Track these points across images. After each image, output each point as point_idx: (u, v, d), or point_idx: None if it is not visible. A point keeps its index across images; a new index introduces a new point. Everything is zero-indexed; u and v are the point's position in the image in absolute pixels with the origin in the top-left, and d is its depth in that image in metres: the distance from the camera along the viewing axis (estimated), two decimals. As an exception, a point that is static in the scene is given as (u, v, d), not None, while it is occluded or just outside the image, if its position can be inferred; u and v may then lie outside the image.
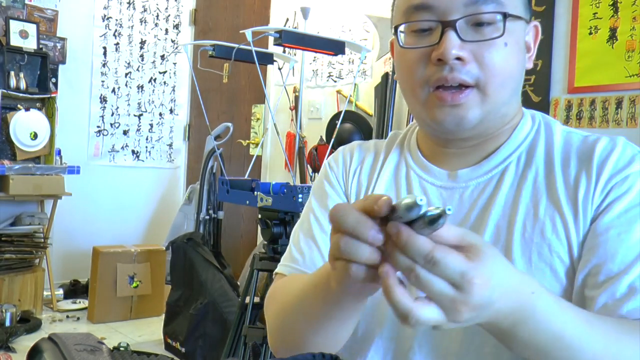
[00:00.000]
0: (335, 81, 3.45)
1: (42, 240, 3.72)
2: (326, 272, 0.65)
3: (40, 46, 3.77)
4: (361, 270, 0.54)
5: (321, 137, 3.21)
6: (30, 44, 3.69)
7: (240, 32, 2.30)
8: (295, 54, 3.41)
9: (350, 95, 3.17)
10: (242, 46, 2.33)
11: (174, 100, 4.70)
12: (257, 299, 2.22)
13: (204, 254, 3.11)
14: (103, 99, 4.32)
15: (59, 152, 3.76)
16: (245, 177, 2.50)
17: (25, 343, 3.10)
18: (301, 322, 0.74)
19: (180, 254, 3.17)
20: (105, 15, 4.29)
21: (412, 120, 0.92)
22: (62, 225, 3.95)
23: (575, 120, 2.36)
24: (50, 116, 3.70)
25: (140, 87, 4.50)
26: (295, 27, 3.55)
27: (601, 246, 0.69)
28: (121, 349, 2.20)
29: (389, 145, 0.91)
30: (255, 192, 2.17)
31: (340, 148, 0.95)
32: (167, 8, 4.61)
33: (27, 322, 3.30)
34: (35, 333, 3.30)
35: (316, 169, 3.07)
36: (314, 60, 3.55)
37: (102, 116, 4.33)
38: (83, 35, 4.17)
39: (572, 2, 2.37)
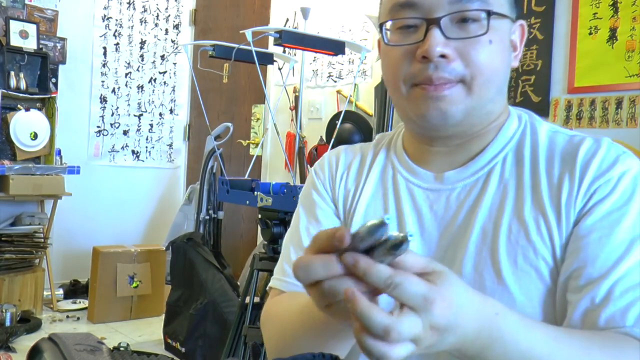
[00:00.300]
0: (335, 81, 3.45)
1: (42, 240, 3.72)
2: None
3: (40, 46, 3.77)
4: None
5: (321, 137, 3.21)
6: (30, 44, 3.69)
7: (240, 32, 2.30)
8: (295, 54, 3.41)
9: (350, 95, 3.17)
10: (242, 46, 2.33)
11: (174, 100, 4.70)
12: (257, 299, 2.22)
13: (204, 254, 3.11)
14: (103, 99, 4.32)
15: (59, 152, 3.76)
16: (245, 177, 2.50)
17: (25, 343, 3.09)
18: (300, 346, 0.74)
19: (180, 254, 3.17)
20: (105, 16, 4.29)
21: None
22: (62, 225, 3.95)
23: (575, 120, 2.36)
24: (50, 116, 3.70)
25: (140, 87, 4.50)
26: (295, 27, 3.55)
27: (583, 250, 0.69)
28: (121, 349, 2.20)
29: (375, 148, 0.91)
30: (255, 192, 2.17)
31: (326, 153, 0.95)
32: (167, 8, 4.61)
33: (27, 322, 3.30)
34: (36, 333, 3.30)
35: (316, 169, 3.07)
36: (314, 60, 3.55)
37: (102, 116, 4.33)
38: (83, 35, 4.17)
39: (572, 2, 2.37)
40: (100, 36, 4.28)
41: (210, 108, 4.27)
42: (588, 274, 0.68)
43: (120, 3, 4.36)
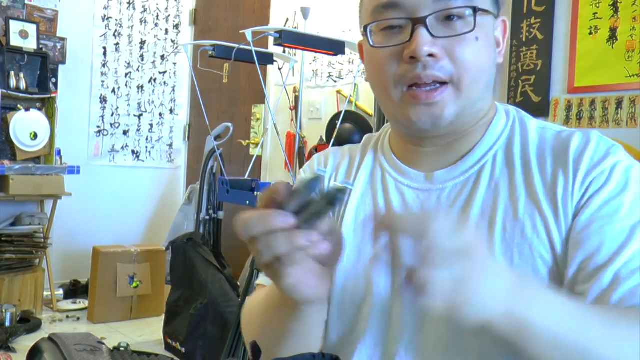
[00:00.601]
0: (335, 81, 3.45)
1: (42, 240, 3.72)
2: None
3: (40, 46, 3.77)
4: (293, 261, 0.55)
5: (321, 137, 3.21)
6: (30, 44, 3.69)
7: (240, 32, 2.30)
8: (295, 54, 3.41)
9: (350, 95, 3.17)
10: (242, 46, 2.33)
11: (174, 101, 4.70)
12: (257, 299, 2.22)
13: (204, 254, 3.11)
14: (103, 99, 4.32)
15: (59, 152, 3.76)
16: (245, 177, 2.50)
17: (25, 343, 3.10)
18: (267, 340, 0.74)
19: (180, 254, 3.17)
20: (105, 16, 4.29)
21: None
22: (62, 225, 3.95)
23: (575, 120, 2.36)
24: (50, 116, 3.70)
25: (140, 87, 4.50)
26: (295, 27, 3.55)
27: (585, 241, 0.69)
28: (121, 349, 2.20)
29: (363, 149, 0.90)
30: (255, 192, 2.18)
31: (315, 155, 0.95)
32: (167, 8, 4.61)
33: (27, 322, 3.31)
34: (35, 333, 3.30)
35: (316, 169, 3.07)
36: (314, 60, 3.55)
37: (102, 116, 4.33)
38: (83, 35, 4.17)
39: (572, 2, 2.37)
40: (100, 36, 4.28)
41: (210, 108, 4.26)
42: (594, 263, 0.68)
43: (120, 3, 4.36)
